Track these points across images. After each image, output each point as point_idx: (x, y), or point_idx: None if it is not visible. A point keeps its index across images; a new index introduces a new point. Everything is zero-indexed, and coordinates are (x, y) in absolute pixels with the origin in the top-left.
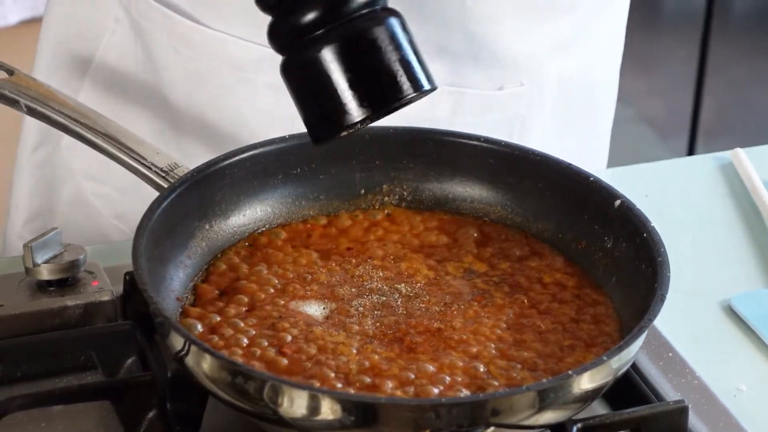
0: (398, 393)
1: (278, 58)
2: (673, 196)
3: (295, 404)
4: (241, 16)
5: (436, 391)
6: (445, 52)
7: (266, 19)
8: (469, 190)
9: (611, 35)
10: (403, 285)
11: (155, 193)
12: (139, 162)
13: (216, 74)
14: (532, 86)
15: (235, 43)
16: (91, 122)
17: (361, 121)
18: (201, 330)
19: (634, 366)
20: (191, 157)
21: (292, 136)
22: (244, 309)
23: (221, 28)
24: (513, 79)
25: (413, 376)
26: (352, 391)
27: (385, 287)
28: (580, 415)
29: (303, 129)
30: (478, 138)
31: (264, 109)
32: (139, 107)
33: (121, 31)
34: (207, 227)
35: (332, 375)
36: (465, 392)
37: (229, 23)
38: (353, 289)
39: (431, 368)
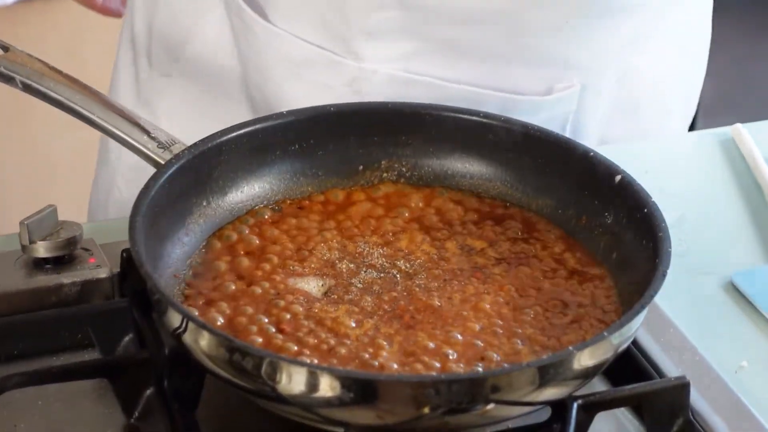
0: (398, 370)
1: (332, 60)
2: (674, 172)
3: (293, 381)
4: (299, 14)
5: (436, 367)
6: (493, 57)
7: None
8: (468, 166)
9: (689, 28)
10: (402, 261)
11: None
12: (136, 139)
13: (278, 70)
14: (585, 86)
15: (291, 41)
16: (86, 99)
17: None
18: (198, 307)
19: (634, 342)
20: None
21: (289, 112)
22: (242, 286)
23: (281, 25)
24: (564, 81)
25: (412, 353)
26: (351, 368)
27: (384, 264)
28: (581, 392)
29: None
30: (477, 113)
31: None
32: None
33: (213, 18)
34: (204, 204)
35: (331, 352)
36: (464, 369)
37: (289, 20)
38: (352, 266)
39: (431, 345)
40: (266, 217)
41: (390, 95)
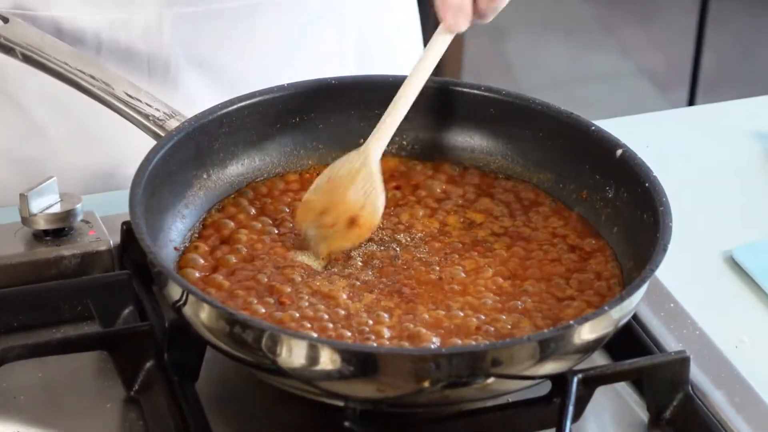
0: (398, 343)
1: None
2: (675, 146)
3: (293, 354)
4: None
5: (436, 341)
6: None
7: None
8: (469, 140)
9: None
10: (402, 235)
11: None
12: (136, 110)
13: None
14: None
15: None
16: (86, 70)
17: None
18: (198, 279)
19: (635, 317)
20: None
21: (290, 85)
22: (242, 258)
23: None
24: None
25: (413, 327)
26: (351, 341)
27: (384, 237)
28: (581, 366)
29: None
30: (479, 87)
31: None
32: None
33: None
34: (205, 177)
35: (331, 326)
36: (465, 342)
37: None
38: None
39: (431, 318)
40: (266, 189)
41: (187, 35)
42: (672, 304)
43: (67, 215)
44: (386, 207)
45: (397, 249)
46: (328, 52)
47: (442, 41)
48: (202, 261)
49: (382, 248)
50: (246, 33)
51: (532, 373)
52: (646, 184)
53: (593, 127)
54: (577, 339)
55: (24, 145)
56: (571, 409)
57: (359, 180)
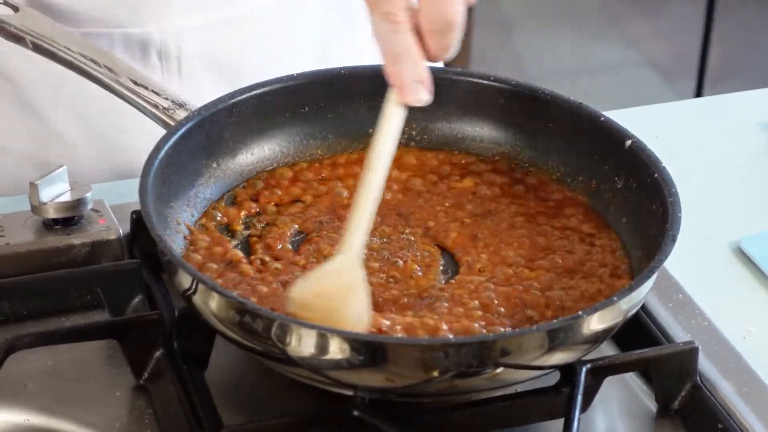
0: (407, 333)
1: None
2: (684, 137)
3: (303, 343)
4: None
5: (445, 329)
6: None
7: None
8: (478, 130)
9: None
10: (411, 227)
11: None
12: (145, 99)
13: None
14: None
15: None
16: (97, 59)
17: None
18: (208, 268)
19: (643, 307)
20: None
21: (300, 75)
22: (254, 247)
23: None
24: None
25: (422, 316)
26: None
27: (394, 227)
28: (590, 356)
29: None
30: (488, 77)
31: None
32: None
33: None
34: (214, 166)
35: None
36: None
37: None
38: None
39: (441, 308)
40: (275, 180)
41: (204, 44)
42: (680, 295)
43: (77, 204)
44: (396, 196)
45: (407, 238)
46: (345, 50)
47: (398, 115)
48: (210, 250)
49: (392, 237)
50: (265, 36)
51: (541, 363)
52: (656, 175)
53: (602, 118)
54: (586, 329)
55: (45, 151)
56: (579, 399)
57: (353, 298)
